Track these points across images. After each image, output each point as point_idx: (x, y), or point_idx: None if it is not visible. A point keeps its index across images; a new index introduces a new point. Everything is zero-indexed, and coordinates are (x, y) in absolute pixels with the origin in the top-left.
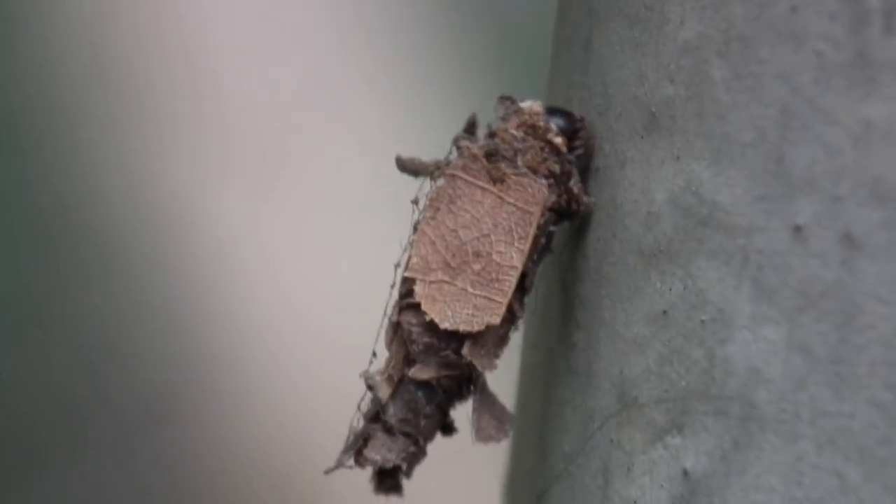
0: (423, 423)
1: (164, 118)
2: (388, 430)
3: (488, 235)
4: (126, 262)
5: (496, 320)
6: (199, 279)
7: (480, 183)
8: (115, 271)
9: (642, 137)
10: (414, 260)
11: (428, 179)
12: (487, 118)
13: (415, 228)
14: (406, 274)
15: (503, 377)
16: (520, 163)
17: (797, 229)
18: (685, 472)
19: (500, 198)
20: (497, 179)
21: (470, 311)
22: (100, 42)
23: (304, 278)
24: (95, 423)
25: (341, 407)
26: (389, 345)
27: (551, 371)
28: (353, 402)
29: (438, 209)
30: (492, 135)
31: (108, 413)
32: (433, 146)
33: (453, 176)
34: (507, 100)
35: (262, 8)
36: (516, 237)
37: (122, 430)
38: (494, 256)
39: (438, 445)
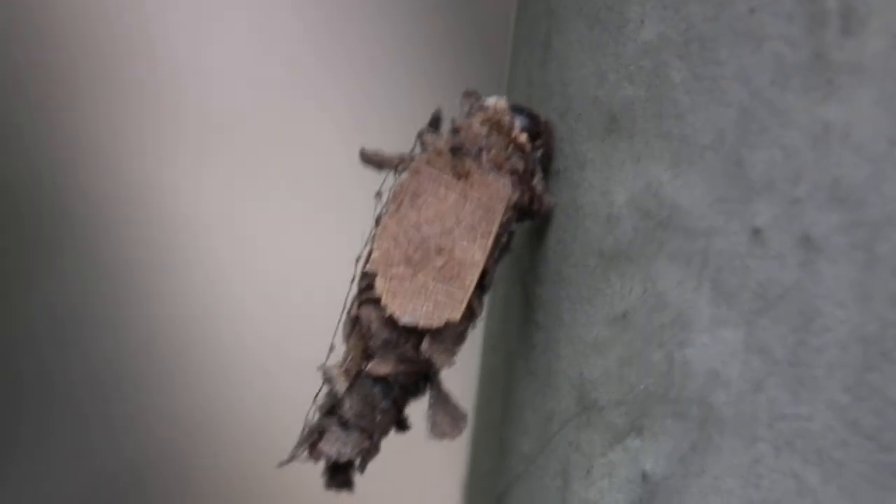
0: (378, 418)
1: (132, 101)
2: (344, 425)
3: (451, 231)
4: (87, 246)
5: (456, 316)
6: (159, 258)
7: (444, 178)
8: (79, 255)
9: (602, 139)
10: (375, 254)
11: (391, 173)
12: (451, 114)
13: (377, 222)
14: (367, 268)
15: (460, 379)
16: (484, 159)
17: (756, 231)
18: (644, 475)
19: (463, 194)
20: (461, 175)
21: (430, 307)
22: (79, 29)
23: (261, 269)
24: (51, 406)
25: (296, 401)
26: (347, 339)
27: (511, 373)
28: (309, 395)
29: (401, 203)
30: (456, 130)
31: (64, 396)
32: (397, 140)
33: (417, 170)
34: (471, 95)
35: (241, 4)
36: (479, 234)
37: (79, 411)
38: (457, 252)
39: (401, 444)
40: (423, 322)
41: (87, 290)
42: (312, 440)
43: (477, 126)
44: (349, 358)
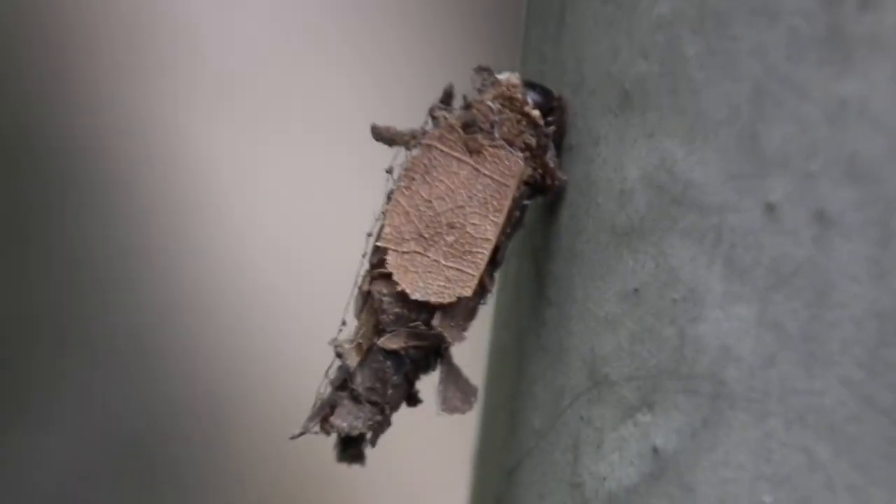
0: (390, 392)
1: (150, 52)
2: (355, 398)
3: (463, 207)
4: (104, 193)
5: (468, 293)
6: (174, 211)
7: (457, 154)
8: (95, 202)
9: (616, 115)
10: (387, 230)
11: (403, 149)
12: (463, 89)
13: (388, 198)
14: (379, 244)
15: (471, 354)
16: (496, 135)
17: (770, 207)
18: (655, 450)
19: (476, 169)
20: (473, 151)
21: (442, 283)
22: None
23: (272, 246)
24: (72, 358)
25: (309, 374)
26: (359, 314)
27: (522, 348)
28: (321, 369)
29: (413, 179)
30: (468, 106)
31: (83, 348)
32: (409, 116)
33: (429, 146)
34: (484, 71)
35: None
36: (491, 209)
37: (98, 366)
38: (468, 228)
39: (412, 419)
40: (434, 298)
41: (103, 236)
42: (324, 414)
43: (489, 102)
44: (361, 333)
